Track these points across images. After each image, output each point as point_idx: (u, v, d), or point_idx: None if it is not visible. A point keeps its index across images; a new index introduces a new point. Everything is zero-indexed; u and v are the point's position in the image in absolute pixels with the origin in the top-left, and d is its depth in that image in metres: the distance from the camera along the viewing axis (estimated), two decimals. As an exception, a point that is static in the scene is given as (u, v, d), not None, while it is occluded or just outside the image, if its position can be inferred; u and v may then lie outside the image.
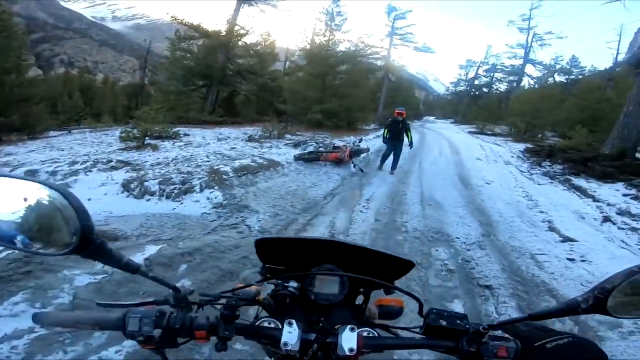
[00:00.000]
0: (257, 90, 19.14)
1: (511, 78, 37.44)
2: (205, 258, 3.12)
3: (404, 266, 0.75)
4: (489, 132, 21.34)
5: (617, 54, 33.10)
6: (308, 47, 18.10)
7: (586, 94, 17.23)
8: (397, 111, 7.71)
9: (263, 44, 19.57)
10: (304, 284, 0.71)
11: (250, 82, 18.97)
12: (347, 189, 6.17)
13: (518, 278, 3.21)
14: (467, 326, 0.61)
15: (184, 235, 3.62)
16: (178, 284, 0.63)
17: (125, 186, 4.87)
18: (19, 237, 0.50)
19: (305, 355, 0.63)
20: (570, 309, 0.53)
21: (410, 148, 7.94)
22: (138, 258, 2.91)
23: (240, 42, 18.53)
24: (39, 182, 0.50)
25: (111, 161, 6.13)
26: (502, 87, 38.84)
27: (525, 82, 35.10)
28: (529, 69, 35.57)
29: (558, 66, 33.25)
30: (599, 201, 6.09)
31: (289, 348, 0.59)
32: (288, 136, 10.94)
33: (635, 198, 6.05)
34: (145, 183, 4.87)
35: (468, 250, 3.81)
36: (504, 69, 37.97)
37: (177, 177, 5.02)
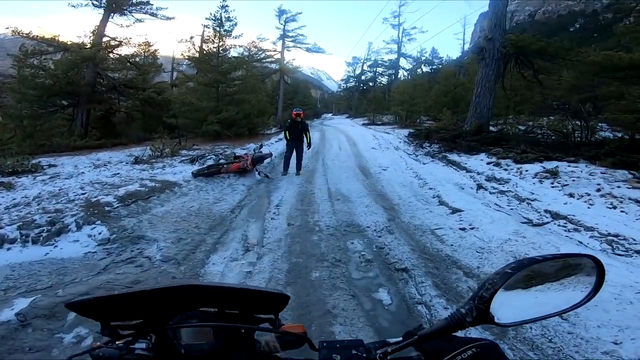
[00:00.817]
0: (141, 106, 17.03)
1: (390, 71, 42.06)
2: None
3: (281, 300, 0.65)
4: (379, 122, 23.80)
5: (464, 43, 40.59)
6: (197, 55, 16.95)
7: (445, 81, 20.28)
8: (294, 112, 7.85)
9: (143, 55, 17.53)
10: (167, 337, 0.58)
11: (131, 97, 16.75)
12: (255, 197, 5.97)
13: (427, 255, 3.54)
14: (364, 355, 0.56)
15: (67, 280, 3.03)
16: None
17: (-29, 240, 3.71)
18: None
19: None
20: (457, 324, 0.51)
21: (308, 148, 8.07)
22: (7, 314, 2.42)
23: (112, 55, 16.21)
24: None
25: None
26: (384, 80, 43.35)
27: (401, 74, 40.02)
28: (403, 62, 40.60)
29: (423, 58, 38.97)
30: (471, 172, 7.24)
31: None
32: (184, 152, 10.02)
33: (496, 165, 7.38)
34: (0, 231, 3.82)
35: (379, 237, 4.06)
36: (384, 64, 42.42)
37: (42, 218, 4.05)
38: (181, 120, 14.04)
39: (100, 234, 3.99)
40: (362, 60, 45.79)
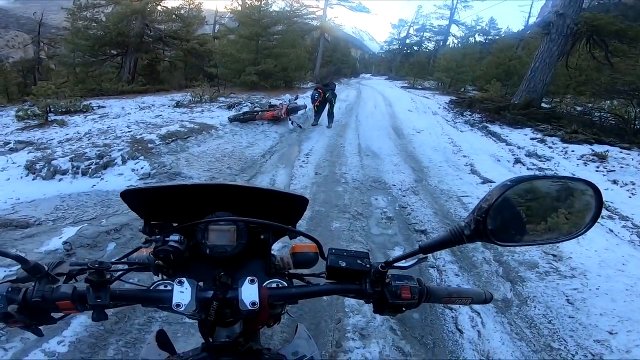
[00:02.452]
0: (184, 56, 17.48)
1: (438, 37, 39.56)
2: (136, 233, 2.89)
3: (301, 203, 0.70)
4: (419, 87, 22.72)
5: (529, 17, 36.57)
6: (239, 8, 16.70)
7: (500, 53, 18.84)
8: (318, 88, 7.83)
9: (187, 7, 17.60)
10: (196, 237, 0.63)
11: (175, 47, 17.19)
12: (286, 145, 6.13)
13: (448, 221, 3.51)
14: (367, 266, 0.58)
15: (110, 212, 3.29)
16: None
17: (30, 168, 4.20)
18: None
19: (209, 315, 0.58)
20: (456, 237, 0.51)
21: (330, 122, 8.04)
22: (56, 242, 2.59)
23: (159, 7, 16.41)
24: None
25: (9, 143, 5.27)
26: (431, 45, 40.99)
27: (450, 41, 37.38)
28: (454, 29, 37.95)
29: (478, 27, 35.99)
30: (511, 145, 6.87)
31: (182, 309, 0.54)
32: (222, 99, 10.27)
33: (541, 141, 6.94)
34: (54, 162, 4.24)
35: (404, 196, 4.06)
36: (432, 29, 40.11)
37: (92, 152, 4.45)
38: (221, 70, 14.36)
39: (142, 168, 4.33)
40: (409, 24, 43.29)
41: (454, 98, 13.61)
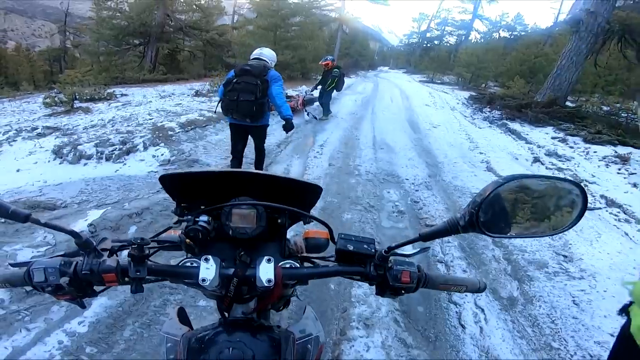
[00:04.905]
0: (203, 46, 17.74)
1: (460, 32, 38.48)
2: (156, 217, 3.01)
3: (315, 191, 0.76)
4: (438, 82, 22.24)
5: (559, 14, 34.99)
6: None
7: (526, 49, 18.24)
8: (321, 62, 7.88)
9: (207, -2, 17.81)
10: (220, 220, 0.70)
11: (195, 37, 17.44)
12: (301, 136, 6.19)
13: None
14: (372, 250, 0.64)
15: (132, 196, 3.43)
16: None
17: (57, 152, 4.41)
18: None
19: (228, 291, 0.64)
20: (452, 228, 0.55)
21: (329, 95, 7.89)
22: (80, 225, 2.71)
23: (180, -2, 16.71)
24: None
25: (37, 128, 5.47)
26: (452, 40, 39.90)
27: (473, 36, 36.35)
28: (477, 24, 36.77)
29: (503, 22, 34.68)
30: (530, 143, 6.68)
31: (207, 284, 0.59)
32: (239, 89, 10.42)
33: (562, 141, 6.71)
34: (79, 147, 4.44)
35: (416, 191, 4.06)
36: (454, 23, 38.98)
37: (116, 138, 4.63)
38: (239, 60, 14.48)
39: (162, 155, 4.48)
40: (429, 17, 42.05)
41: (474, 94, 13.27)
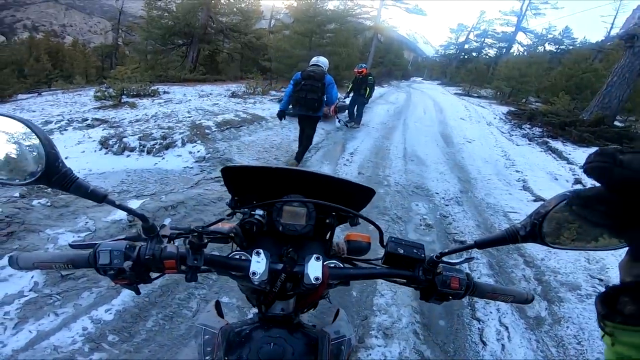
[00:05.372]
0: (241, 48, 18.35)
1: (501, 44, 37.28)
2: (189, 211, 3.13)
3: (366, 194, 0.76)
4: (475, 95, 21.52)
5: (611, 28, 32.99)
6: (295, 5, 17.13)
7: (573, 64, 17.30)
8: (356, 69, 7.77)
9: (248, 1, 18.41)
10: (271, 216, 0.71)
11: (234, 40, 18.08)
12: (332, 142, 6.23)
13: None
14: (422, 255, 0.64)
15: (167, 189, 3.59)
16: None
17: (104, 143, 4.71)
18: None
19: (274, 286, 0.64)
20: (511, 237, 0.54)
21: (365, 103, 7.95)
22: (121, 213, 2.85)
23: (222, 0, 17.37)
24: (2, 115, 0.49)
25: (87, 119, 5.86)
26: (492, 52, 38.73)
27: (515, 49, 35.02)
28: (520, 36, 35.51)
29: (550, 36, 33.20)
30: (572, 164, 6.33)
31: (257, 277, 0.60)
32: (273, 92, 10.67)
33: (608, 162, 6.30)
34: (124, 139, 4.72)
35: (446, 205, 3.96)
36: (495, 35, 37.86)
37: (157, 133, 4.88)
38: (274, 64, 14.85)
39: (198, 152, 4.67)
40: (469, 28, 41.07)
41: (513, 109, 12.75)
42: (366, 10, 25.24)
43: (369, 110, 8.34)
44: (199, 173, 4.14)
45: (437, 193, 4.30)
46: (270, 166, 0.73)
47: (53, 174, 0.49)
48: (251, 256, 0.63)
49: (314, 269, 0.61)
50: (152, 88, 9.59)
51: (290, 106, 4.49)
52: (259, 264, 0.61)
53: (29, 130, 0.47)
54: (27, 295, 2.00)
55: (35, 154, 0.48)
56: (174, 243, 0.65)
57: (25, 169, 0.49)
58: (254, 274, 0.60)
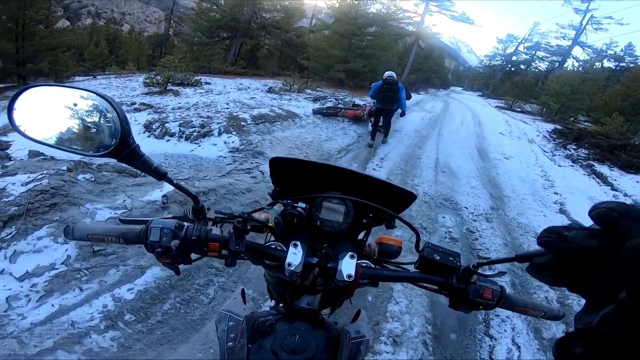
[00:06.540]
0: (281, 45, 18.69)
1: (554, 58, 35.10)
2: (219, 199, 3.24)
3: (407, 198, 0.77)
4: (518, 109, 20.43)
5: None
6: (337, 5, 17.17)
7: (632, 82, 15.98)
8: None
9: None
10: (311, 210, 0.72)
11: (275, 36, 18.48)
12: (362, 146, 6.21)
13: (517, 255, 3.27)
14: (458, 264, 0.64)
15: (200, 176, 3.72)
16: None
17: (147, 127, 5.02)
18: (65, 138, 0.53)
19: (306, 279, 0.65)
20: None
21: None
22: (156, 194, 2.93)
23: (267, -4, 17.84)
24: (87, 90, 0.53)
25: (134, 103, 6.25)
26: (542, 66, 36.53)
27: (570, 64, 32.83)
28: (577, 51, 33.22)
29: (610, 52, 30.82)
30: (617, 190, 5.94)
31: (292, 269, 0.61)
32: (308, 91, 10.77)
33: (659, 192, 5.82)
34: (166, 124, 4.99)
35: (474, 221, 3.86)
36: (549, 48, 35.60)
37: (197, 121, 5.12)
38: (312, 63, 14.99)
39: (233, 142, 4.85)
40: (519, 40, 38.90)
41: (559, 127, 12.00)
42: (409, 15, 24.78)
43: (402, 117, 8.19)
44: (231, 163, 4.28)
45: (466, 207, 4.18)
46: (316, 161, 0.75)
47: (124, 149, 0.52)
48: (287, 247, 0.64)
49: (348, 266, 0.62)
50: (195, 78, 10.01)
51: (374, 101, 6.06)
52: (295, 255, 0.62)
53: (110, 106, 0.51)
54: (57, 268, 2.02)
55: (112, 128, 0.51)
56: (218, 227, 0.67)
57: (101, 141, 0.53)
58: (289, 264, 0.61)
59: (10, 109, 0.52)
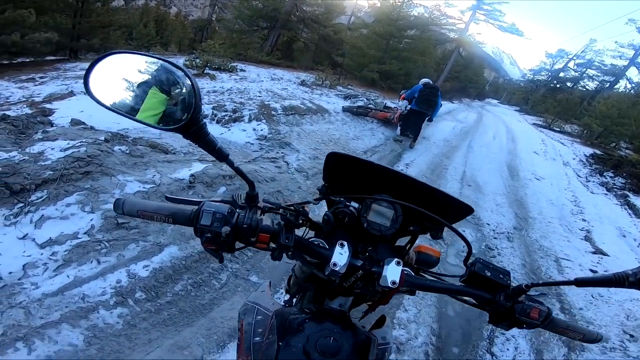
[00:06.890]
0: (317, 40, 18.76)
1: (605, 78, 32.91)
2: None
3: (463, 211, 0.73)
4: (557, 129, 19.38)
5: None
6: (379, 5, 16.93)
7: (686, 111, 14.78)
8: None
9: (332, -5, 18.70)
10: (359, 210, 0.70)
11: (313, 30, 18.55)
12: (389, 149, 6.16)
13: (534, 277, 3.17)
14: (508, 282, 0.64)
15: None
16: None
17: (182, 107, 5.19)
18: (137, 108, 0.52)
19: (346, 280, 0.63)
20: (618, 280, 0.53)
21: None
22: (184, 173, 2.96)
23: (310, -9, 17.87)
24: (168, 62, 0.53)
25: (171, 84, 6.47)
26: (591, 85, 34.34)
27: (623, 85, 30.71)
28: (632, 72, 30.89)
29: None
30: (647, 224, 5.58)
31: (337, 269, 0.59)
32: (340, 87, 10.75)
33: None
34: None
35: (495, 238, 3.77)
36: (602, 67, 33.29)
37: (229, 105, 5.25)
38: (346, 61, 14.94)
39: (261, 130, 4.94)
40: (570, 56, 36.64)
41: (598, 152, 11.37)
42: (453, 21, 24.07)
43: (432, 124, 8.04)
44: (258, 150, 4.37)
45: (489, 224, 4.08)
46: (373, 161, 0.73)
47: (193, 125, 0.51)
48: (331, 246, 0.62)
49: (393, 272, 0.61)
50: (232, 64, 10.23)
51: (407, 105, 6.22)
52: (341, 255, 0.60)
53: (187, 80, 0.50)
54: (79, 238, 2.00)
55: (185, 103, 0.51)
56: (264, 216, 0.66)
57: (172, 115, 0.52)
58: (334, 264, 0.59)
59: (87, 75, 0.53)
